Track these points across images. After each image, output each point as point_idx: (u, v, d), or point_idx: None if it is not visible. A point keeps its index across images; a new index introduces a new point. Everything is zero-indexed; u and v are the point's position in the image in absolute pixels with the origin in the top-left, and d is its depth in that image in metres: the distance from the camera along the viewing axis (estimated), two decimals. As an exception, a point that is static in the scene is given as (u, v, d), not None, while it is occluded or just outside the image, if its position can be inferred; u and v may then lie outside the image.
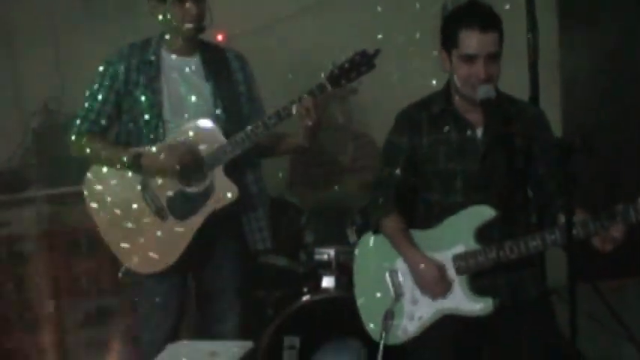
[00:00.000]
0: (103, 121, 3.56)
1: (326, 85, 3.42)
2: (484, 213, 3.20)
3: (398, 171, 3.34)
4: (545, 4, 5.11)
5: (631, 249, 3.09)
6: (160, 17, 3.49)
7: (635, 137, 5.61)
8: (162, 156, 3.43)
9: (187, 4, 3.44)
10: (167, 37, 3.56)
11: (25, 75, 5.23)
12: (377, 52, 3.43)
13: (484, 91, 3.13)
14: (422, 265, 3.24)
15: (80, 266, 4.61)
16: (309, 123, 3.42)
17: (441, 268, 3.23)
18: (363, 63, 3.42)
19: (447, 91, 3.33)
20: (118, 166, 3.50)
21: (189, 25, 3.48)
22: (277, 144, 3.71)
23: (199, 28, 3.53)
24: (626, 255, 3.11)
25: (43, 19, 5.19)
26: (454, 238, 3.25)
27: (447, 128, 3.28)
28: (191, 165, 3.46)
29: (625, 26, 5.50)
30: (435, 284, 3.23)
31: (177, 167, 3.43)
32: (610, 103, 5.58)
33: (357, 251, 3.50)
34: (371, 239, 3.44)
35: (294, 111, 3.41)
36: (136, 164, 3.47)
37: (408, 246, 3.28)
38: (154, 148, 3.46)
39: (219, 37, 5.20)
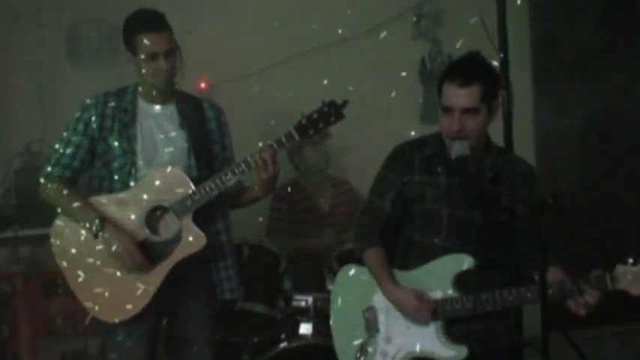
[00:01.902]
0: (76, 166, 3.53)
1: (294, 135, 3.43)
2: (464, 262, 3.24)
3: (386, 204, 3.38)
4: (520, 63, 5.26)
5: (607, 297, 3.13)
6: (135, 68, 3.52)
7: (610, 194, 5.69)
8: (116, 252, 3.40)
9: (158, 61, 3.46)
10: (141, 88, 3.58)
11: (7, 116, 5.26)
12: (345, 103, 3.44)
13: (458, 149, 3.18)
14: (401, 295, 3.27)
15: (56, 308, 4.59)
16: (265, 176, 3.43)
17: (419, 293, 3.26)
18: (331, 113, 3.43)
19: (440, 135, 3.37)
20: (80, 215, 3.46)
21: (160, 82, 3.50)
22: (239, 195, 3.68)
23: (171, 84, 3.56)
24: (605, 303, 3.14)
25: (26, 61, 5.25)
26: (432, 283, 3.28)
27: (437, 171, 3.33)
28: (137, 268, 3.43)
29: (599, 86, 5.63)
30: (418, 309, 3.25)
31: (125, 265, 3.43)
32: (584, 161, 5.68)
33: (335, 285, 3.52)
34: (349, 273, 3.47)
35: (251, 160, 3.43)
36: (96, 233, 3.43)
37: (388, 279, 3.30)
38: (118, 216, 3.44)
39: (202, 85, 5.28)
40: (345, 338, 3.41)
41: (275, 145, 3.42)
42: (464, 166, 3.18)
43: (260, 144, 3.42)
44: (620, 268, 3.07)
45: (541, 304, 2.84)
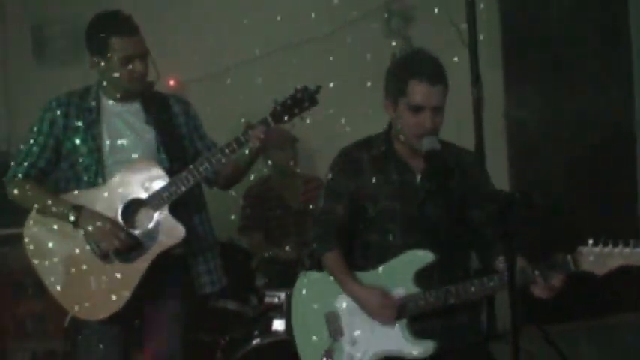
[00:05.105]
0: (41, 166, 3.50)
1: (269, 122, 3.42)
2: (423, 257, 3.23)
3: (340, 208, 3.36)
4: (491, 57, 5.28)
5: (585, 292, 3.13)
6: (103, 73, 3.48)
7: (582, 185, 5.73)
8: (100, 233, 3.38)
9: (134, 65, 3.44)
10: (105, 86, 3.53)
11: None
12: (318, 88, 3.44)
13: (429, 143, 3.18)
14: (364, 293, 3.26)
15: (26, 308, 4.55)
16: (256, 146, 3.42)
17: (384, 293, 3.25)
18: (304, 99, 3.42)
19: (387, 134, 3.37)
20: (54, 209, 3.43)
21: (136, 85, 3.48)
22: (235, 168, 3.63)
23: (147, 86, 3.54)
24: (578, 298, 3.14)
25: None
26: (394, 281, 3.26)
27: (387, 169, 3.32)
28: (126, 247, 3.40)
29: (571, 80, 5.67)
30: (383, 308, 3.24)
31: (112, 248, 3.39)
32: (556, 155, 5.71)
33: (295, 292, 3.47)
34: (309, 279, 3.44)
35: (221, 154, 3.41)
36: (74, 221, 3.41)
37: (350, 279, 3.29)
38: (94, 209, 3.41)
39: (171, 83, 5.26)
40: (310, 345, 3.37)
41: (270, 120, 3.41)
42: (436, 160, 3.18)
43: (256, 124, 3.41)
44: (581, 250, 3.05)
45: (510, 297, 2.82)
